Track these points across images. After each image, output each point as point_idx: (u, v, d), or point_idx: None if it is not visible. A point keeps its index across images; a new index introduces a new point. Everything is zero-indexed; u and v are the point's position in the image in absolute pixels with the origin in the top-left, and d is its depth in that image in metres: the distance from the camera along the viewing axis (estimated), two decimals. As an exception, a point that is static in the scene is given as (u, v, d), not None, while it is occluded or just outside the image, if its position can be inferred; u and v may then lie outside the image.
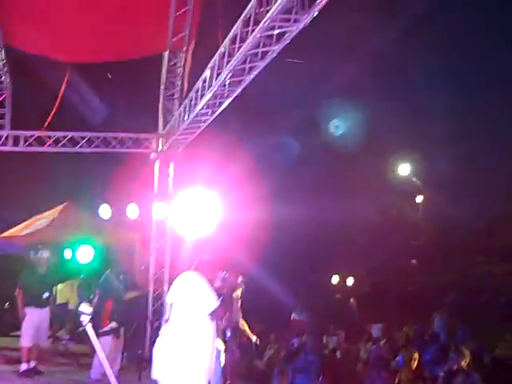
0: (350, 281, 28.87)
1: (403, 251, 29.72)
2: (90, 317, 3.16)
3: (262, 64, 7.35)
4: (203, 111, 9.39)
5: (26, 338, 10.51)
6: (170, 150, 12.36)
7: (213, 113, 9.45)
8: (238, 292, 9.59)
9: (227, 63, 7.58)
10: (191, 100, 9.70)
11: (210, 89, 8.41)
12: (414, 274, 29.12)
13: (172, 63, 12.03)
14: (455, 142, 28.57)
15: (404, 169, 32.67)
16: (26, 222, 14.81)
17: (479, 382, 8.54)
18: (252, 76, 7.77)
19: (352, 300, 24.34)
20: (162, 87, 12.27)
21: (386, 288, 27.43)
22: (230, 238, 12.35)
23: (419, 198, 33.36)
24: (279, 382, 11.30)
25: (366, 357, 13.27)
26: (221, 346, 8.49)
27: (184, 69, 11.87)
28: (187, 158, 12.64)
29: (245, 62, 7.43)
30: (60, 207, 14.70)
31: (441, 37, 27.26)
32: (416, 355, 12.34)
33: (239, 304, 9.60)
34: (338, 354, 14.40)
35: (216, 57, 8.10)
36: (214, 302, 6.12)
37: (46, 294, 10.81)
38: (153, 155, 12.67)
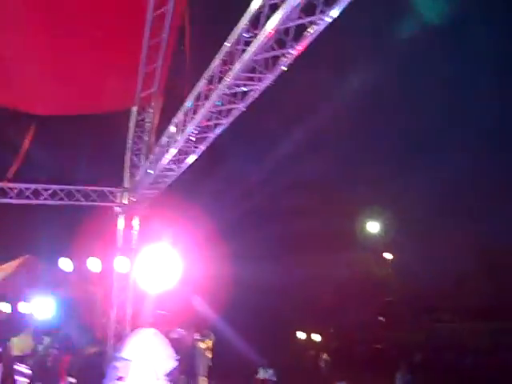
0: (316, 337, 28.64)
1: (371, 308, 29.70)
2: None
3: (226, 121, 7.41)
4: (168, 166, 9.37)
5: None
6: (136, 204, 12.25)
7: (178, 168, 9.43)
8: (209, 344, 9.44)
9: (191, 119, 7.62)
10: (156, 155, 9.69)
11: (175, 144, 8.43)
12: (380, 331, 28.99)
13: (140, 118, 12.05)
14: (426, 199, 28.87)
15: (373, 226, 32.88)
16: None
17: None
18: (217, 133, 7.81)
19: (325, 356, 23.95)
20: (129, 142, 12.24)
21: (353, 345, 27.29)
22: (191, 294, 12.18)
23: (388, 255, 33.50)
24: None
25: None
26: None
27: (152, 124, 11.89)
28: (151, 213, 12.54)
29: (210, 119, 7.48)
30: (19, 260, 14.41)
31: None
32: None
33: (210, 355, 9.46)
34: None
35: (181, 112, 8.14)
36: (171, 362, 5.96)
37: (-1, 349, 10.51)
38: (117, 209, 12.52)
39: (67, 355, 9.60)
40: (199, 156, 8.85)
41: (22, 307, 12.68)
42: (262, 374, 17.44)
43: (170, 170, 9.47)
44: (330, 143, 27.00)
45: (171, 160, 9.05)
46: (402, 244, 31.01)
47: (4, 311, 11.10)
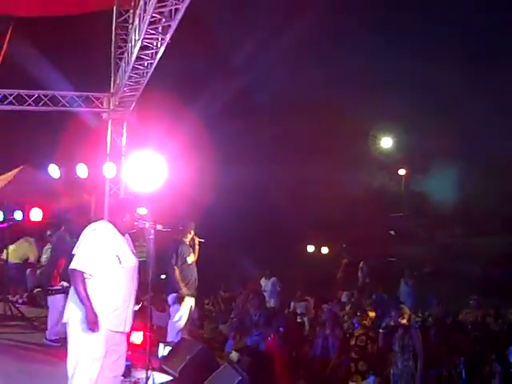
0: (325, 250, 28.76)
1: (382, 223, 29.66)
2: None
3: (182, 7, 7.17)
4: (138, 63, 9.21)
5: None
6: (121, 108, 12.17)
7: (149, 65, 9.27)
8: (188, 238, 9.36)
9: (150, 4, 7.39)
10: (128, 53, 9.53)
11: (140, 35, 8.23)
12: (392, 245, 29.03)
13: (120, 19, 11.81)
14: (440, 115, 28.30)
15: (386, 142, 32.50)
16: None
17: (418, 335, 8.52)
18: (176, 20, 7.58)
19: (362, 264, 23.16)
20: (113, 45, 12.04)
21: (363, 259, 27.32)
22: (179, 198, 12.18)
23: (401, 171, 33.24)
24: (234, 342, 11.34)
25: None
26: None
27: (132, 25, 11.65)
28: (140, 119, 12.47)
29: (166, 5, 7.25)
30: (15, 170, 14.55)
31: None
32: (372, 315, 12.38)
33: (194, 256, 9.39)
34: (306, 319, 14.41)
35: (141, 2, 7.91)
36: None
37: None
38: (105, 115, 12.48)
39: (62, 259, 9.65)
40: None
41: (18, 216, 12.83)
42: (264, 284, 17.52)
43: (142, 65, 9.30)
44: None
45: (141, 53, 8.87)
46: (415, 160, 30.74)
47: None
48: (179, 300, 9.11)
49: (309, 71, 24.57)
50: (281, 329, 10.23)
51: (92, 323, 5.11)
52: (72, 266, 5.23)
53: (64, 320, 5.37)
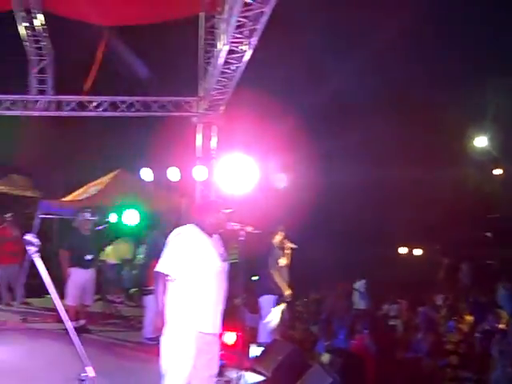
0: (418, 252, 28.11)
1: (478, 224, 28.67)
2: (38, 248, 3.12)
3: (268, 9, 7.17)
4: (226, 67, 9.31)
5: (70, 298, 10.85)
6: (211, 111, 12.36)
7: (237, 68, 9.35)
8: (277, 239, 9.42)
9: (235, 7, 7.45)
10: (215, 57, 9.65)
11: (226, 40, 8.32)
12: (489, 247, 28.03)
13: (208, 25, 11.98)
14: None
15: (481, 141, 31.42)
16: (80, 190, 15.26)
17: (516, 341, 8.20)
18: (263, 23, 7.60)
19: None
20: (200, 50, 12.24)
21: (462, 261, 26.44)
22: (270, 200, 12.21)
23: (497, 171, 32.03)
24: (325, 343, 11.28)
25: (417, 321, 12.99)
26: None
27: (219, 30, 11.80)
28: (229, 121, 12.61)
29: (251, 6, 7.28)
30: (111, 174, 15.02)
31: None
32: (469, 319, 12.01)
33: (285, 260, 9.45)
34: (399, 322, 14.13)
35: (226, 6, 7.99)
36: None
37: (89, 256, 11.12)
38: (194, 119, 12.72)
39: (155, 260, 9.83)
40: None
41: (114, 218, 13.24)
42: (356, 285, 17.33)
43: (230, 69, 9.40)
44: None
45: (228, 57, 8.96)
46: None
47: (92, 220, 11.63)
48: (281, 302, 9.21)
49: (406, 70, 24.02)
50: (365, 331, 10.07)
51: (158, 329, 5.24)
52: (156, 268, 5.32)
53: None
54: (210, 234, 5.44)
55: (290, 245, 9.65)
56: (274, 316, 9.20)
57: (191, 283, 5.26)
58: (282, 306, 9.33)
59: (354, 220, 22.18)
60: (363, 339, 9.74)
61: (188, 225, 5.50)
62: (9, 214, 14.11)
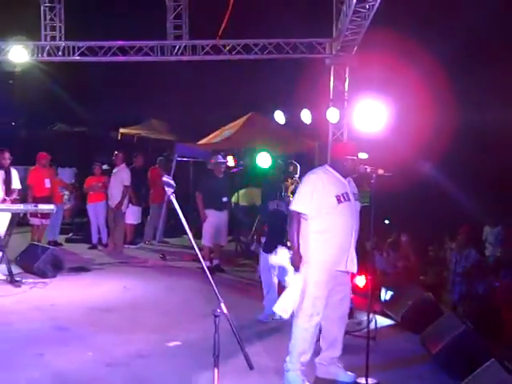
0: None
1: None
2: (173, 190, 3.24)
3: None
4: (360, 6, 9.03)
5: (206, 238, 11.32)
6: (343, 52, 12.12)
7: (371, 7, 9.05)
8: None
9: None
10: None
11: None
12: None
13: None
14: None
15: None
16: (214, 133, 15.62)
17: None
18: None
19: None
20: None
21: None
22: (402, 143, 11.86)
23: None
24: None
25: None
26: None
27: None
28: (362, 62, 12.31)
29: None
30: (244, 117, 15.22)
31: None
32: None
33: None
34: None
35: None
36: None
37: (224, 198, 11.45)
38: (327, 60, 12.53)
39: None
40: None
41: (248, 161, 13.43)
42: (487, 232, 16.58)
43: (363, 7, 9.10)
44: None
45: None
46: None
47: (226, 163, 11.90)
48: None
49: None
50: (503, 279, 9.65)
51: (296, 267, 5.35)
52: (291, 207, 5.46)
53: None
54: (344, 176, 5.50)
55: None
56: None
57: (325, 222, 5.35)
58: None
59: (493, 166, 20.97)
60: (501, 287, 9.38)
61: (323, 166, 5.58)
62: (161, 158, 15.00)
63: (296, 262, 5.34)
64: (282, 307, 5.41)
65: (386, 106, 10.59)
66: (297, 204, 5.39)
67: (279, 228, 7.38)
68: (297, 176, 8.79)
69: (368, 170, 5.65)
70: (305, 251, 5.37)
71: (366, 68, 12.32)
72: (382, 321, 7.76)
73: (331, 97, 12.57)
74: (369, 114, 10.66)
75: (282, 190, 8.07)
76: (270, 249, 7.02)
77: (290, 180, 8.52)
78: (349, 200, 5.42)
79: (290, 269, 5.54)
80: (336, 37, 12.14)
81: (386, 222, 12.59)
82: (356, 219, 5.50)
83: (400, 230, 11.16)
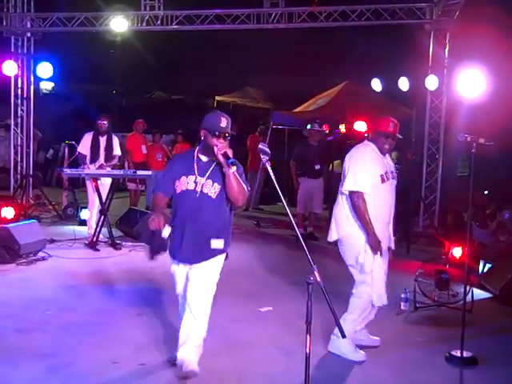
0: None
1: None
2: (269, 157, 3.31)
3: None
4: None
5: (300, 206, 11.42)
6: (444, 17, 11.73)
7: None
8: None
9: None
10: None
11: None
12: None
13: None
14: None
15: None
16: (310, 101, 15.58)
17: None
18: None
19: None
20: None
21: None
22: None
23: None
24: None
25: None
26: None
27: None
28: (464, 28, 11.86)
29: None
30: (340, 86, 15.08)
31: None
32: None
33: None
34: None
35: None
36: None
37: (317, 166, 11.45)
38: (427, 26, 12.17)
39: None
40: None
41: (342, 128, 13.34)
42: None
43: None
44: None
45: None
46: None
47: (320, 130, 11.87)
48: None
49: None
50: None
51: (375, 249, 5.31)
52: (355, 187, 5.36)
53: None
54: (383, 154, 5.56)
55: None
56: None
57: (370, 198, 5.37)
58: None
59: None
60: None
61: (367, 143, 5.61)
62: (262, 126, 15.22)
63: (375, 243, 5.31)
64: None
65: (486, 74, 10.31)
66: (357, 184, 5.34)
67: None
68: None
69: (468, 138, 5.52)
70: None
71: (469, 33, 11.87)
72: (479, 293, 7.61)
73: (430, 64, 12.22)
74: (471, 81, 10.43)
75: None
76: None
77: None
78: (388, 179, 5.51)
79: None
80: (437, 1, 11.75)
81: (485, 192, 12.23)
82: (393, 198, 5.62)
83: (500, 204, 10.81)
